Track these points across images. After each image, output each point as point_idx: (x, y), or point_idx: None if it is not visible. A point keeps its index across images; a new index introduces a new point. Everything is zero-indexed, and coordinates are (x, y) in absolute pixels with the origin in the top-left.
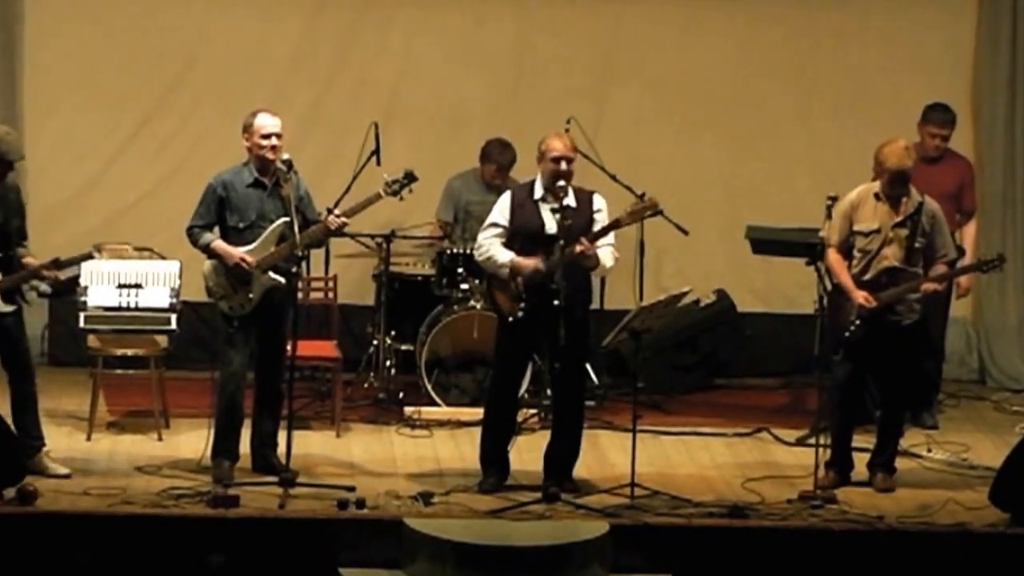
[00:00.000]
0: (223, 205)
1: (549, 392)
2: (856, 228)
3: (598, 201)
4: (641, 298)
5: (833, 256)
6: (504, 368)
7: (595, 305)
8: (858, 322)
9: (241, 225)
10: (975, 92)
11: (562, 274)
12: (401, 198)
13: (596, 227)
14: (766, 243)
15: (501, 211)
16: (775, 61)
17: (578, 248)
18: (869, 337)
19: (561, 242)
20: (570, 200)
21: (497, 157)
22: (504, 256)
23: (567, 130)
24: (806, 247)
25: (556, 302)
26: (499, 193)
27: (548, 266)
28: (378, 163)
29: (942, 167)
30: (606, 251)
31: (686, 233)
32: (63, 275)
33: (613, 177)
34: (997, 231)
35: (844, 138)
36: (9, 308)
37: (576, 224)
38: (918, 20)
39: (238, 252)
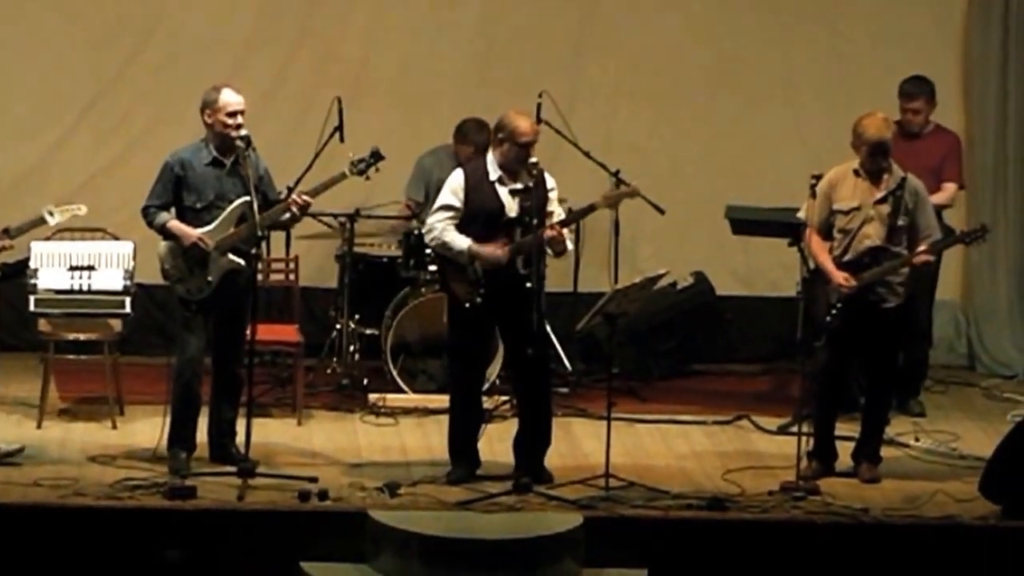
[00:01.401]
0: (180, 184)
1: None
2: (836, 207)
3: (550, 180)
4: (616, 281)
5: (812, 237)
6: (463, 355)
7: (568, 288)
8: (839, 306)
9: (199, 205)
10: (966, 67)
11: (527, 258)
12: (367, 178)
13: (550, 206)
14: (747, 223)
15: (454, 192)
16: (758, 34)
17: (550, 233)
18: (851, 321)
19: (535, 222)
20: (526, 179)
21: (475, 137)
22: (462, 242)
23: (539, 104)
24: (788, 227)
25: (528, 284)
26: None
27: (512, 251)
28: (341, 140)
29: (925, 142)
30: (565, 233)
31: (663, 213)
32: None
33: (587, 154)
34: (987, 210)
35: (830, 114)
36: None
37: (535, 205)
38: None
39: (195, 233)
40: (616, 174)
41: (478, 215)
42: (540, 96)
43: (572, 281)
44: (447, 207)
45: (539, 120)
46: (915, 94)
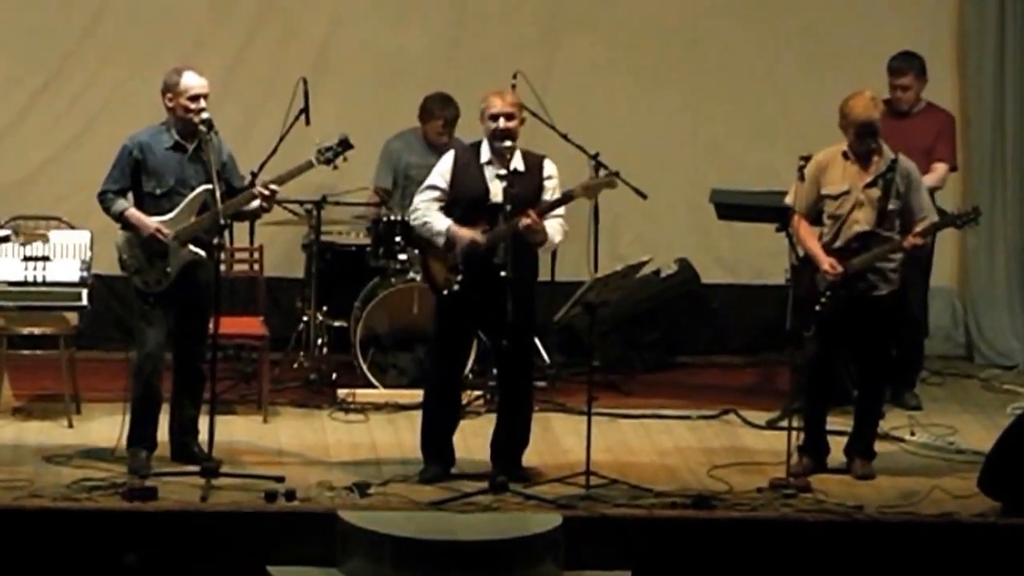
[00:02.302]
0: (139, 169)
1: (495, 372)
2: (824, 192)
3: (549, 167)
4: (596, 269)
5: (800, 223)
6: (441, 346)
7: (546, 277)
8: (828, 293)
9: (158, 191)
10: (960, 41)
11: (507, 246)
12: (335, 167)
13: (546, 195)
14: (733, 208)
15: (442, 173)
16: (743, 7)
17: (524, 221)
18: (842, 310)
19: (508, 208)
20: (518, 164)
21: (440, 112)
22: (441, 223)
23: (513, 86)
24: (776, 212)
25: (503, 273)
26: (442, 154)
27: (490, 239)
28: (307, 123)
29: (916, 121)
30: (554, 224)
31: (645, 197)
32: None
33: (564, 136)
34: (986, 191)
35: (819, 92)
36: None
37: (524, 192)
38: None
39: (154, 222)
40: (595, 157)
41: (462, 198)
42: (514, 77)
43: (550, 269)
44: (433, 187)
45: None
46: (903, 69)
